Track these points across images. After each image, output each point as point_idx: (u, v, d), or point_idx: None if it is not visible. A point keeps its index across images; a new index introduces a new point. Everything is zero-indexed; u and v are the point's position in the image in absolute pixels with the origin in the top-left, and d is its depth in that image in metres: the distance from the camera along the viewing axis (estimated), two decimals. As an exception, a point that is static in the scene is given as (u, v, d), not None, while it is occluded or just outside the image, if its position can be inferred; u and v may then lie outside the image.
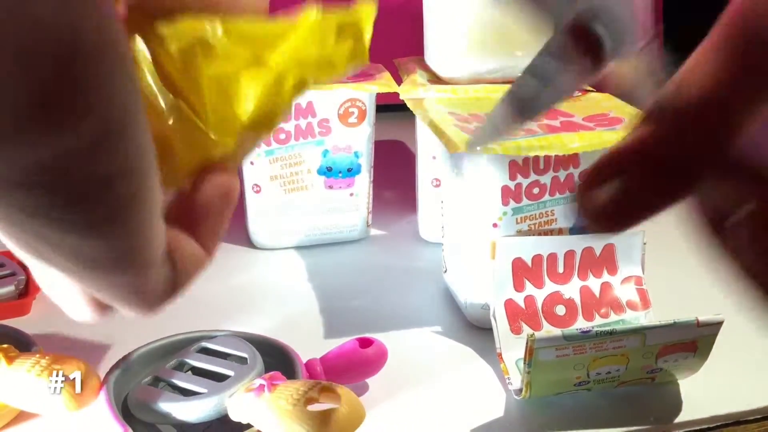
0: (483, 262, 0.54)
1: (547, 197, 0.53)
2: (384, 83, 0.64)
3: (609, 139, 0.51)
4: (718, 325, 0.45)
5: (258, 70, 0.22)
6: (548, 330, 0.52)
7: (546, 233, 0.54)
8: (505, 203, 0.53)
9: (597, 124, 0.54)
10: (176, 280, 0.23)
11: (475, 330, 0.57)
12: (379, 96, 0.65)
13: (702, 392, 0.49)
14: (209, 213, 0.24)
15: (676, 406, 0.48)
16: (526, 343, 0.43)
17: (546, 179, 0.53)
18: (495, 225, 0.53)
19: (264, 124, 0.23)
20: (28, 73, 0.14)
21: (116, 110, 0.17)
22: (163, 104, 0.22)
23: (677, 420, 0.47)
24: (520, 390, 0.46)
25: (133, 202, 0.19)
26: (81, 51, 0.15)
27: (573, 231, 0.55)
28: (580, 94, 0.62)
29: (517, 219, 0.53)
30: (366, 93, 0.64)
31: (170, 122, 0.22)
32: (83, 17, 0.15)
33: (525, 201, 0.53)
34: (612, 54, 0.23)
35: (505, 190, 0.52)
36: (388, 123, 0.80)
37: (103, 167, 0.17)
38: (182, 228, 0.24)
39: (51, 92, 0.15)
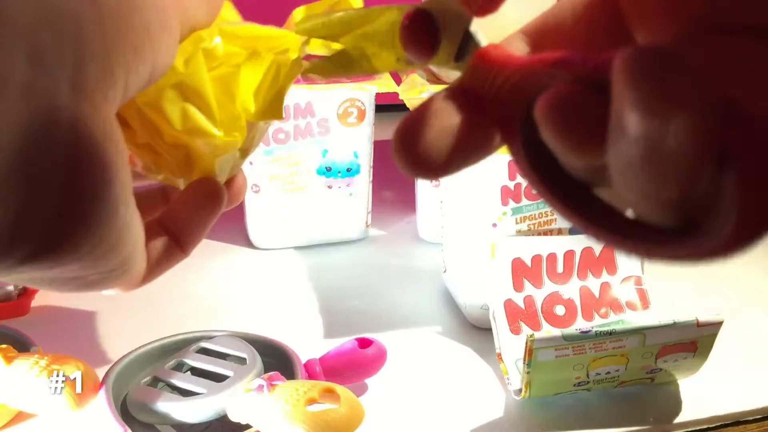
0: (482, 263, 0.54)
1: (546, 197, 0.53)
2: (383, 83, 0.64)
3: None
4: (718, 325, 0.45)
5: (255, 62, 0.24)
6: (548, 330, 0.52)
7: (545, 233, 0.54)
8: (504, 203, 0.53)
9: None
10: (150, 276, 0.24)
11: (475, 330, 0.57)
12: (378, 96, 0.65)
13: (702, 392, 0.49)
14: (192, 219, 0.25)
15: (676, 406, 0.48)
16: (526, 344, 0.43)
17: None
18: (495, 225, 0.53)
19: (270, 111, 0.24)
20: None
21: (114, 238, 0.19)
22: (174, 114, 0.23)
23: (677, 420, 0.47)
24: (520, 390, 0.46)
25: (131, 258, 0.21)
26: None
27: (572, 231, 0.55)
28: None
29: (516, 219, 0.53)
30: (365, 93, 0.64)
31: (180, 128, 0.23)
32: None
33: (524, 201, 0.53)
34: None
35: (504, 190, 0.52)
36: (388, 123, 0.80)
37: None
38: (164, 227, 0.25)
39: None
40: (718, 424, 0.48)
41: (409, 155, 0.18)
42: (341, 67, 0.25)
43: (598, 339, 0.43)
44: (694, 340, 0.45)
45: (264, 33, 0.24)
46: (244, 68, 0.24)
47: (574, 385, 0.46)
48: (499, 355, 0.50)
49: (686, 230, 0.14)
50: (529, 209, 0.53)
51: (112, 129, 0.18)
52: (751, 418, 0.48)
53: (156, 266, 0.24)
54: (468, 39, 0.19)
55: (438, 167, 0.18)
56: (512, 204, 0.53)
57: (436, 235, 0.67)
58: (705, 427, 0.47)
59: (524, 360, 0.44)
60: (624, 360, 0.45)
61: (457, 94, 0.18)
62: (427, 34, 0.19)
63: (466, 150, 0.18)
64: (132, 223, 0.20)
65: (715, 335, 0.45)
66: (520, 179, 0.52)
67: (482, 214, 0.53)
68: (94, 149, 0.17)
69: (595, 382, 0.46)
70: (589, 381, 0.46)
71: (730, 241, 0.14)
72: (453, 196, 0.57)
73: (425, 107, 0.18)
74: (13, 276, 0.18)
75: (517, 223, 0.53)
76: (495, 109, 0.18)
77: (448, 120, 0.18)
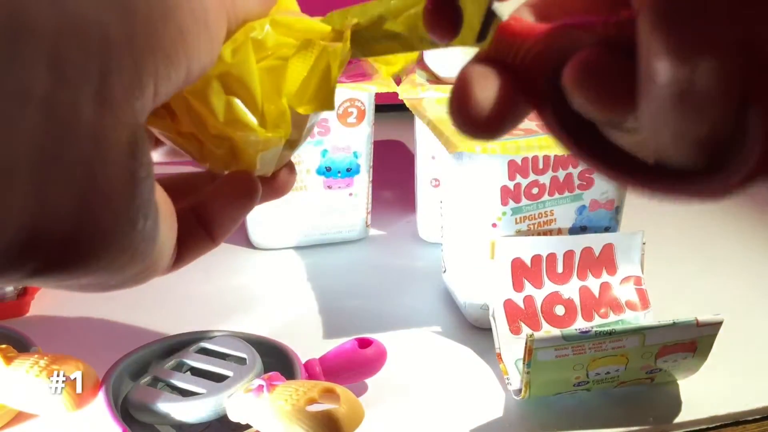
0: (482, 262, 0.54)
1: (546, 197, 0.53)
2: (383, 83, 0.64)
3: None
4: (717, 325, 0.45)
5: (304, 53, 0.23)
6: (547, 330, 0.52)
7: (545, 233, 0.54)
8: (504, 203, 0.53)
9: None
10: (179, 264, 0.25)
11: (475, 330, 0.57)
12: (378, 96, 0.65)
13: (701, 392, 0.49)
14: (224, 212, 0.25)
15: (676, 406, 0.48)
16: (526, 344, 0.43)
17: (545, 179, 0.53)
18: (494, 225, 0.53)
19: (321, 102, 0.24)
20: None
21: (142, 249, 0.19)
22: (218, 106, 0.23)
23: (676, 420, 0.47)
24: (520, 390, 0.46)
25: (158, 259, 0.21)
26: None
27: (572, 231, 0.55)
28: None
29: (516, 219, 0.53)
30: (365, 93, 0.64)
31: (223, 121, 0.23)
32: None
33: (524, 201, 0.53)
34: None
35: (504, 190, 0.52)
36: (387, 123, 0.80)
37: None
38: (197, 215, 0.25)
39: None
40: (718, 424, 0.48)
41: (464, 116, 0.18)
42: (387, 38, 0.24)
43: (598, 339, 0.43)
44: (693, 340, 0.45)
45: (317, 27, 0.24)
46: (294, 60, 0.23)
47: (574, 385, 0.46)
48: (499, 355, 0.50)
49: (709, 170, 0.16)
50: (529, 209, 0.53)
51: (136, 142, 0.17)
52: (750, 418, 0.48)
53: (186, 255, 0.24)
54: (490, 19, 0.20)
55: (490, 127, 0.19)
56: (512, 204, 0.53)
57: (435, 236, 0.67)
58: (705, 427, 0.47)
59: (524, 360, 0.44)
60: (623, 360, 0.45)
61: (488, 61, 0.19)
62: (448, 16, 0.20)
63: (510, 111, 0.19)
64: (154, 234, 0.19)
65: (714, 335, 0.45)
66: (519, 179, 0.52)
67: (482, 214, 0.53)
68: (114, 166, 0.17)
69: (594, 382, 0.46)
70: (588, 381, 0.46)
71: (753, 174, 0.15)
72: (453, 195, 0.57)
73: (472, 69, 0.19)
74: (31, 283, 0.18)
75: (516, 223, 0.53)
76: (520, 78, 0.19)
77: (493, 81, 0.18)
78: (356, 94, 0.64)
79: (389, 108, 0.77)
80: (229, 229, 0.25)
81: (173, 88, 0.19)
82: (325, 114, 0.64)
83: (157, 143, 0.27)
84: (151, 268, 0.20)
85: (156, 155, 0.27)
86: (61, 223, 0.16)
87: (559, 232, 0.55)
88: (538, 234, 0.54)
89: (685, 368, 0.48)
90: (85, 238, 0.17)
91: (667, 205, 0.76)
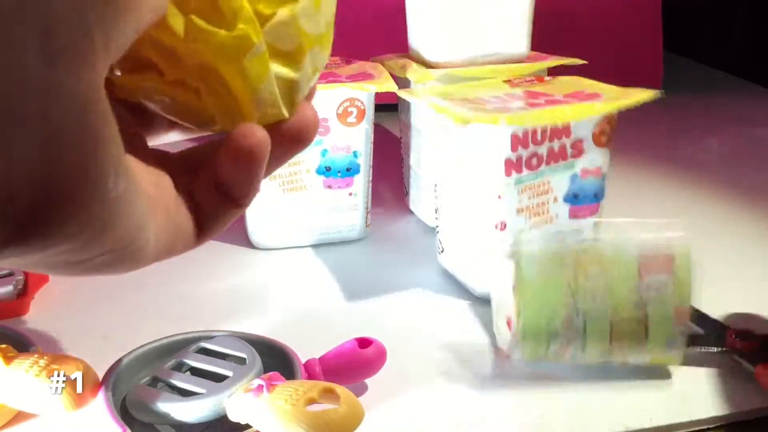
0: (487, 236, 0.55)
1: (543, 167, 0.56)
2: (383, 83, 0.64)
3: (599, 108, 0.53)
4: (684, 236, 0.47)
5: None
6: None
7: (542, 203, 0.57)
8: (508, 174, 0.54)
9: (579, 99, 0.56)
10: (208, 234, 0.24)
11: (475, 330, 0.57)
12: (378, 96, 0.65)
13: (701, 392, 0.49)
14: (237, 174, 0.23)
15: (676, 406, 0.48)
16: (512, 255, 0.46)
17: (542, 149, 0.55)
18: (499, 197, 0.54)
19: None
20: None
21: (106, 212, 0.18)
22: (177, 25, 0.22)
23: (676, 420, 0.47)
24: (516, 340, 0.48)
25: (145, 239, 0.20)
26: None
27: (566, 199, 0.58)
28: (550, 78, 0.64)
29: (519, 189, 0.55)
30: (365, 92, 0.64)
31: (184, 36, 0.22)
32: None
33: (525, 171, 0.55)
34: None
35: (507, 162, 0.54)
36: (388, 122, 0.80)
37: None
38: (215, 183, 0.24)
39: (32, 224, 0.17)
40: (718, 424, 0.48)
41: None
42: None
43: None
44: (669, 256, 0.46)
45: None
46: None
47: (565, 316, 0.47)
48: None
49: None
50: (529, 179, 0.55)
51: (95, 96, 0.17)
52: (752, 418, 0.48)
53: (213, 225, 0.24)
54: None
55: None
56: (515, 175, 0.55)
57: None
58: (705, 427, 0.47)
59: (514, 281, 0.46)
60: (608, 273, 0.47)
61: None
62: None
63: None
64: (132, 197, 0.19)
65: (688, 255, 0.47)
66: (521, 150, 0.54)
67: (487, 187, 0.55)
68: (73, 118, 0.16)
69: (586, 313, 0.47)
70: (578, 310, 0.47)
71: None
72: (454, 172, 0.59)
73: None
74: (10, 261, 0.18)
75: (519, 193, 0.55)
76: None
77: None
78: (356, 93, 0.64)
79: (389, 108, 0.77)
80: (249, 189, 0.24)
81: (126, 39, 0.18)
82: (325, 114, 0.64)
83: (172, 126, 0.26)
84: (135, 243, 0.20)
85: (174, 135, 0.27)
86: (30, 179, 0.16)
87: (555, 200, 0.57)
88: (537, 204, 0.56)
89: (671, 301, 0.47)
90: (57, 193, 0.17)
91: (660, 198, 0.75)
